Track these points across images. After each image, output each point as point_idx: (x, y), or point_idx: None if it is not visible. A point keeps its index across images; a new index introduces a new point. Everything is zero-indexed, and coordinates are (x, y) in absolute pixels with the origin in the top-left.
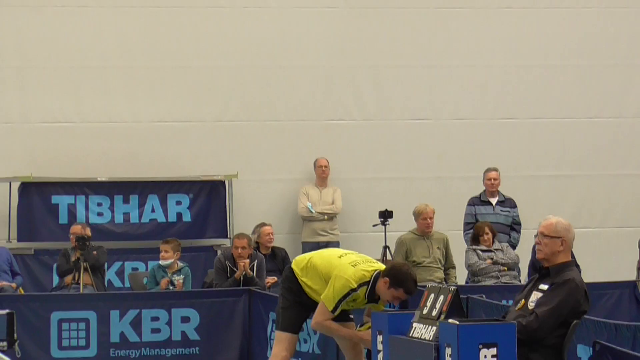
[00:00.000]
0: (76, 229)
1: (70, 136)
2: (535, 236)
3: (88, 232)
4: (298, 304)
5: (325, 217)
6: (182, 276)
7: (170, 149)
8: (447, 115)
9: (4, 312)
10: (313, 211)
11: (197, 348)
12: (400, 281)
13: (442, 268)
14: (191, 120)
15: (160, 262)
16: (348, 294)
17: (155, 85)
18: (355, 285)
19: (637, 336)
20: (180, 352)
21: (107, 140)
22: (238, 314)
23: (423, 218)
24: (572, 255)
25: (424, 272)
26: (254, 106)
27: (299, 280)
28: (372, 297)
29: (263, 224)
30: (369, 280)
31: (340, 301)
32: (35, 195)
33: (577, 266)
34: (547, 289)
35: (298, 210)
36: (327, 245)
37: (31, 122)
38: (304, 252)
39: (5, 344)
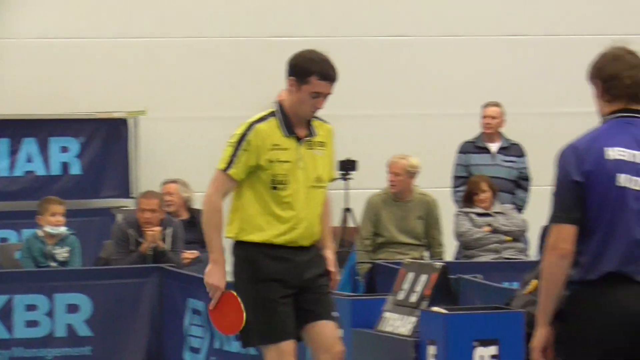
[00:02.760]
0: None
1: None
2: None
3: None
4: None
5: None
6: (66, 248)
7: (54, 75)
8: (432, 30)
9: None
10: None
11: (88, 347)
12: (302, 65)
13: (423, 245)
14: (83, 37)
15: (48, 229)
16: (245, 133)
17: None
18: (255, 119)
19: None
20: (66, 353)
21: None
22: (145, 301)
23: (389, 172)
24: None
25: (394, 252)
26: (166, 18)
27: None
28: (290, 125)
29: (166, 181)
30: (276, 108)
31: (238, 146)
32: None
33: None
34: None
35: None
36: None
37: None
38: None
39: None
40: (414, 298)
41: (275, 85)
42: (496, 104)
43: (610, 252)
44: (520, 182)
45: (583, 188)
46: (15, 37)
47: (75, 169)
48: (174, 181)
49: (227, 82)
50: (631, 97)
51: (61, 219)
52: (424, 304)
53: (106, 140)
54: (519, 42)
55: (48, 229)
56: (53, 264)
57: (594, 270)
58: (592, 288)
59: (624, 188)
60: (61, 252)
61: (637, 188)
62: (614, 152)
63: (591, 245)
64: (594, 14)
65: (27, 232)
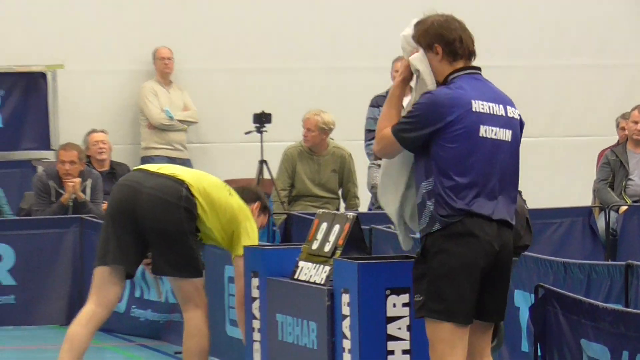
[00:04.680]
0: None
1: None
2: None
3: None
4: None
5: (185, 126)
6: None
7: None
8: None
9: None
10: (173, 118)
11: (12, 296)
12: (265, 204)
13: (338, 199)
14: None
15: None
16: None
17: None
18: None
19: (592, 277)
20: None
21: None
22: (66, 250)
23: (303, 127)
24: None
25: (309, 205)
26: None
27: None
28: None
29: (93, 131)
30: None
31: None
32: None
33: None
34: None
35: (150, 115)
36: (183, 163)
37: None
38: None
39: None
40: (327, 248)
41: (186, 40)
42: (403, 58)
43: (469, 195)
44: None
45: (442, 133)
46: None
47: None
48: (101, 130)
49: (144, 36)
50: (469, 56)
51: None
52: (338, 254)
53: (25, 93)
54: None
55: None
56: None
57: (456, 210)
58: (455, 225)
59: (484, 138)
60: None
61: (494, 137)
62: (478, 105)
63: (455, 189)
64: None
65: None
